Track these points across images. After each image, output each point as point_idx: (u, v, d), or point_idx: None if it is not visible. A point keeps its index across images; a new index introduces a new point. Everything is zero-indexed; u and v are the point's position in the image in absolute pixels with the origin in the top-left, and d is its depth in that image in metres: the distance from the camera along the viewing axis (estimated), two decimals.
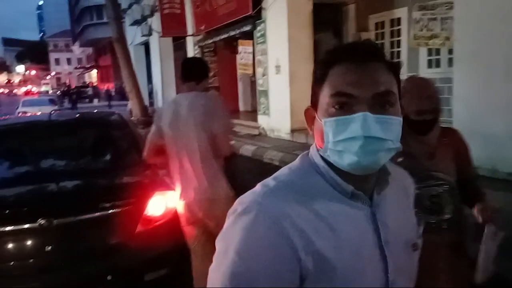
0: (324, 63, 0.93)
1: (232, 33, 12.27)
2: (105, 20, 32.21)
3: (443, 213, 1.94)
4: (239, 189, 2.75)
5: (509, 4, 5.26)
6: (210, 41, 14.21)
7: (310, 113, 0.96)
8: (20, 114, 16.02)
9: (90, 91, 42.15)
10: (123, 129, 4.45)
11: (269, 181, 0.93)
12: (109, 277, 2.94)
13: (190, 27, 15.25)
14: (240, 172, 3.12)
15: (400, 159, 1.87)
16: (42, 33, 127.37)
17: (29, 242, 2.98)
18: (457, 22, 6.16)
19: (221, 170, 3.01)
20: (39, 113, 8.01)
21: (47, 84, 71.88)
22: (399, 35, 10.21)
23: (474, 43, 5.67)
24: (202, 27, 14.18)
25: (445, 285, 1.93)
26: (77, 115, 5.21)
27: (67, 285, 2.92)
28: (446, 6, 7.29)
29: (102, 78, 53.13)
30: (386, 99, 0.88)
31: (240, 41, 12.15)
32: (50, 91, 57.35)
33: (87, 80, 60.02)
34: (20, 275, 2.90)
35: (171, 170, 3.09)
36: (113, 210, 3.10)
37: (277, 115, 10.48)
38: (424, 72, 8.92)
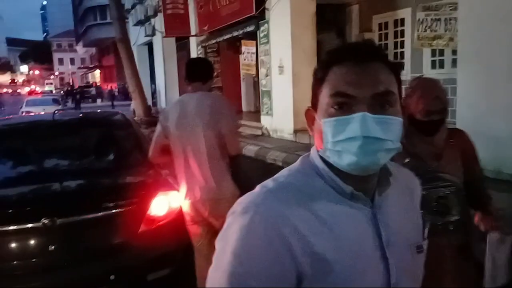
0: (324, 64, 0.93)
1: (235, 33, 12.27)
2: (108, 20, 32.34)
3: (450, 215, 1.93)
4: (243, 188, 2.75)
5: None
6: (213, 41, 14.23)
7: (310, 114, 0.96)
8: (23, 114, 16.08)
9: (93, 91, 42.21)
10: (127, 129, 4.45)
11: (268, 182, 0.93)
12: (112, 277, 2.95)
13: (193, 27, 15.27)
14: (243, 172, 3.12)
15: (406, 160, 1.87)
16: (45, 33, 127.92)
17: (32, 242, 2.98)
18: (461, 23, 6.15)
19: (227, 169, 3.02)
20: (42, 113, 8.03)
21: (51, 84, 71.84)
22: (402, 36, 10.19)
23: (478, 44, 5.65)
24: (205, 27, 14.20)
25: (452, 286, 1.92)
26: (81, 115, 5.23)
27: (70, 284, 2.92)
28: (450, 6, 7.27)
29: (105, 78, 53.26)
30: (385, 99, 0.87)
31: (243, 41, 12.16)
32: (54, 91, 57.35)
33: (90, 80, 60.10)
34: (24, 274, 2.91)
35: (176, 170, 3.10)
36: (117, 210, 3.10)
37: (280, 116, 10.48)
38: (428, 73, 8.90)
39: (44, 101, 21.59)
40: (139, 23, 20.04)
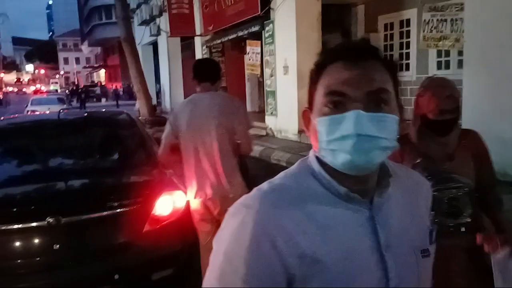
0: (319, 63, 0.92)
1: (240, 33, 12.28)
2: (113, 20, 32.41)
3: (462, 216, 1.90)
4: (250, 187, 2.77)
5: None
6: (218, 41, 14.24)
7: (307, 115, 0.96)
8: (29, 113, 16.14)
9: (98, 90, 42.35)
10: (131, 129, 4.45)
11: (264, 184, 0.93)
12: (116, 276, 2.95)
13: (198, 27, 15.29)
14: (249, 170, 3.17)
15: (418, 160, 1.85)
16: (51, 33, 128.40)
17: (37, 240, 2.99)
18: (467, 24, 6.12)
19: (238, 167, 3.10)
20: (48, 112, 8.05)
21: (56, 83, 72.19)
22: (408, 37, 10.16)
23: (484, 45, 5.62)
24: (210, 27, 14.21)
25: None
26: (86, 114, 5.23)
27: (74, 283, 2.92)
28: (456, 7, 7.24)
29: (110, 78, 53.41)
30: (380, 97, 0.86)
31: (248, 41, 12.16)
32: (59, 90, 57.67)
33: (95, 79, 60.31)
34: (28, 273, 2.91)
35: (185, 169, 3.13)
36: (121, 209, 3.10)
37: (285, 116, 10.47)
38: (433, 73, 8.86)
39: (49, 100, 21.69)
40: (144, 22, 20.09)
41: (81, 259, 2.97)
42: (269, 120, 11.37)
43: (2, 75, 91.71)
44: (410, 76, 10.03)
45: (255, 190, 0.93)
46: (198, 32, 15.36)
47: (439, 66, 9.27)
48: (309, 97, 0.95)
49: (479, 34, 5.71)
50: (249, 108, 15.61)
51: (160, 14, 17.97)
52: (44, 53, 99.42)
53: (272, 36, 10.85)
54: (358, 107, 0.84)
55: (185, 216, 3.21)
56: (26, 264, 2.93)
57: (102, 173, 3.80)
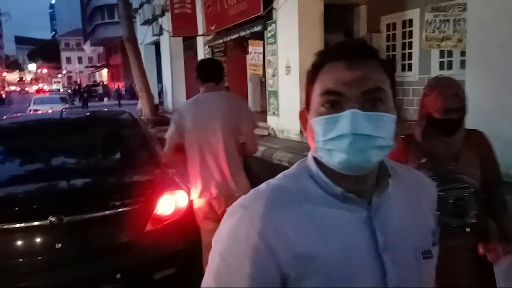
0: (316, 63, 0.92)
1: (242, 33, 12.27)
2: (116, 19, 32.47)
3: (467, 217, 1.88)
4: (253, 187, 2.78)
5: None
6: (220, 41, 14.23)
7: (304, 115, 0.96)
8: (31, 112, 16.19)
9: (100, 90, 42.34)
10: (134, 128, 4.46)
11: (262, 185, 0.94)
12: (118, 275, 2.95)
13: (200, 27, 15.29)
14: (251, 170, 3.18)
15: (423, 160, 1.84)
16: (53, 32, 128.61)
17: (39, 239, 2.99)
18: (470, 24, 6.10)
19: (243, 167, 3.13)
20: (50, 111, 8.06)
21: (58, 82, 72.48)
22: (411, 37, 10.15)
23: (487, 45, 5.61)
24: (213, 27, 14.21)
25: None
26: (88, 114, 5.24)
27: (76, 282, 2.92)
28: (459, 7, 7.23)
29: (112, 77, 53.45)
30: (376, 97, 0.86)
31: (250, 41, 12.15)
32: (61, 90, 57.80)
33: (97, 79, 60.33)
34: (30, 272, 2.92)
35: (190, 168, 3.15)
36: (123, 209, 3.11)
37: (287, 116, 10.46)
38: (436, 74, 8.85)
39: (51, 99, 21.74)
40: (147, 22, 20.11)
41: (83, 258, 2.97)
42: (271, 120, 11.37)
43: (5, 74, 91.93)
44: (413, 77, 10.02)
45: (252, 190, 0.93)
46: (200, 32, 15.36)
47: (441, 67, 9.25)
48: (306, 97, 0.95)
49: (482, 34, 5.70)
50: (251, 108, 15.59)
51: (163, 14, 17.98)
52: (46, 52, 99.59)
53: (274, 36, 10.85)
54: (354, 106, 0.84)
55: (187, 216, 3.22)
56: (28, 263, 2.93)
57: (104, 173, 3.80)
